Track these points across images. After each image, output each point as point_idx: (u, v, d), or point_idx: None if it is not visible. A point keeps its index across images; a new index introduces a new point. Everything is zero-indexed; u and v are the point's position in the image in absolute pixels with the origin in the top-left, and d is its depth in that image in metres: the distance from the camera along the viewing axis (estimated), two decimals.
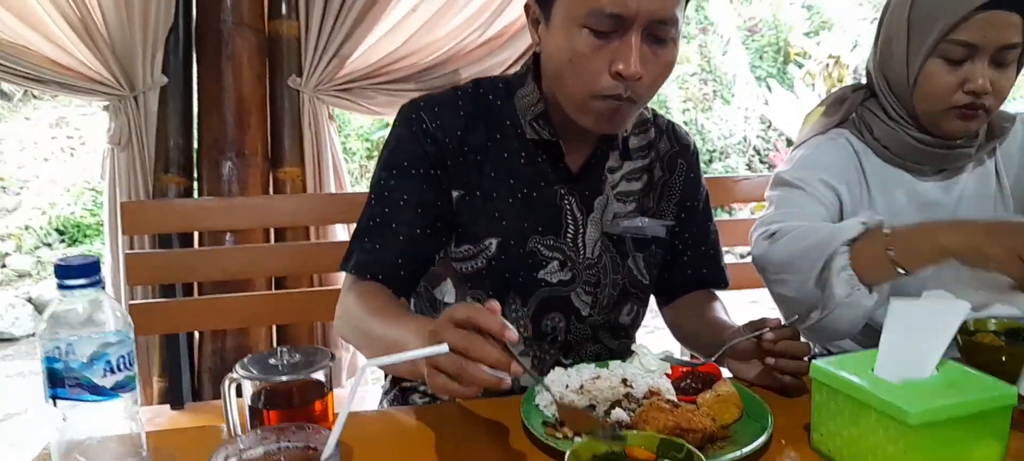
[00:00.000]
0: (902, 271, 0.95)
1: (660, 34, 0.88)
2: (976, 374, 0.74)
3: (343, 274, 1.03)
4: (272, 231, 1.93)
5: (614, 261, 1.07)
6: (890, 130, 1.16)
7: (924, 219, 1.15)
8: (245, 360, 0.74)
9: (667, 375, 0.91)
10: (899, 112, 1.15)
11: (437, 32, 1.96)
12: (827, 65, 6.37)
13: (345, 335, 1.00)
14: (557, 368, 0.93)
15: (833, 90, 1.30)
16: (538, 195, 1.03)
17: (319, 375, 0.74)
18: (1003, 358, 0.88)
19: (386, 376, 1.22)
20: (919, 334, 0.74)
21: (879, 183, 1.19)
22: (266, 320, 1.85)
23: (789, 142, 6.01)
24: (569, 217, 1.04)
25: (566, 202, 1.04)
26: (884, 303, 0.89)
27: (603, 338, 1.11)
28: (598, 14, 0.85)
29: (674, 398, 0.85)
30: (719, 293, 1.20)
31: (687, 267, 1.17)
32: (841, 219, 1.17)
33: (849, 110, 1.22)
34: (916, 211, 1.19)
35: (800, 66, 6.89)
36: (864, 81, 1.26)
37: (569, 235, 1.04)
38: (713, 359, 0.97)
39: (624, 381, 0.88)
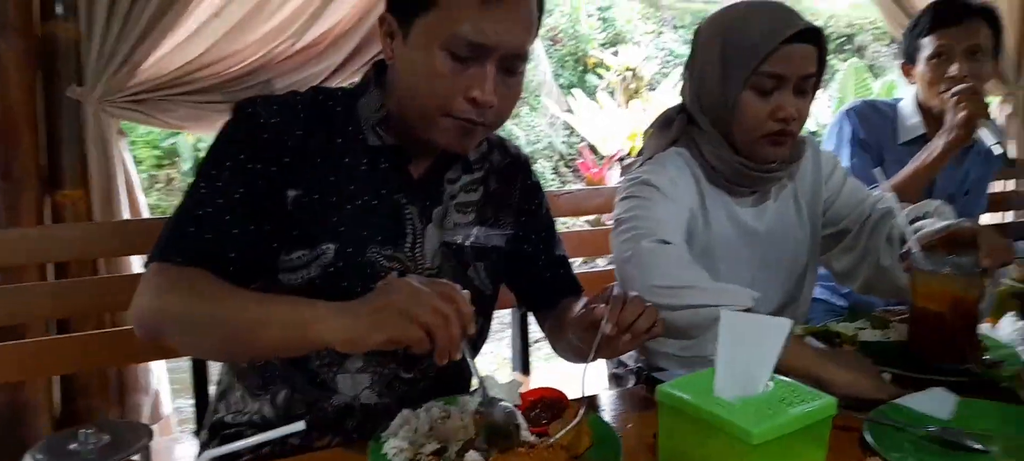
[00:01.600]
0: None
1: (513, 67, 0.95)
2: (799, 386, 0.80)
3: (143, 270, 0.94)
4: (51, 267, 1.66)
5: (454, 271, 1.07)
6: (716, 151, 1.22)
7: (741, 241, 1.26)
8: (36, 450, 0.61)
9: (517, 406, 0.90)
10: (716, 140, 1.22)
11: (245, 39, 1.80)
12: (624, 77, 6.86)
13: (163, 328, 0.90)
14: (403, 412, 0.89)
15: (662, 111, 1.35)
16: (379, 203, 1.01)
17: (136, 458, 0.64)
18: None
19: (203, 428, 1.10)
20: (750, 350, 0.80)
21: (711, 205, 1.25)
22: (46, 371, 1.59)
23: (593, 148, 6.36)
24: (409, 226, 1.02)
25: (407, 211, 1.02)
26: None
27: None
28: (459, 41, 0.89)
29: (528, 432, 0.84)
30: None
31: (545, 271, 1.20)
32: (686, 221, 1.20)
33: (678, 131, 1.27)
34: (736, 233, 1.27)
35: (600, 76, 7.35)
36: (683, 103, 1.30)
37: (408, 244, 1.02)
38: (589, 359, 0.93)
39: (476, 414, 0.86)
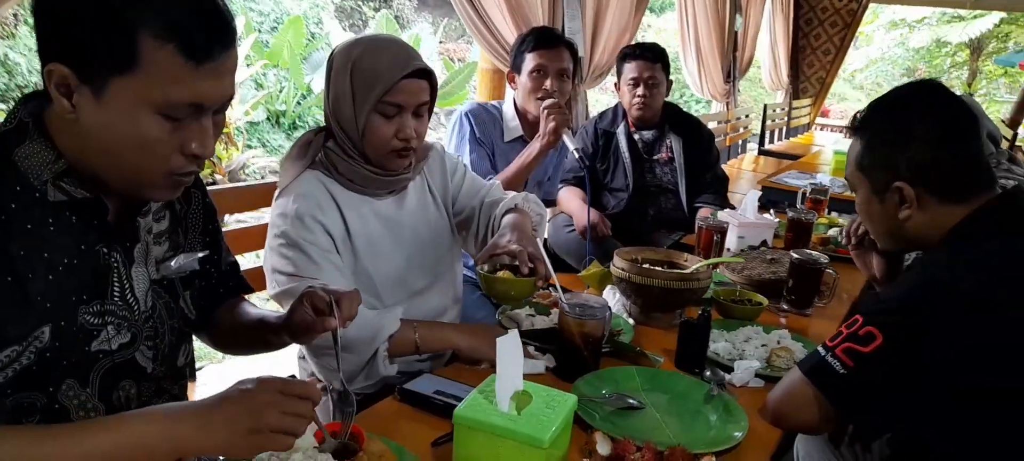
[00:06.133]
0: (419, 355, 1.43)
1: (224, 107, 0.91)
2: (538, 387, 1.05)
3: None
4: None
5: (168, 307, 1.05)
6: (350, 166, 1.42)
7: (387, 232, 1.49)
8: None
9: (316, 447, 0.96)
10: (353, 151, 1.42)
11: None
12: None
13: None
14: None
15: (300, 135, 1.50)
16: (79, 260, 0.91)
17: None
18: (511, 290, 1.39)
19: None
20: (509, 366, 1.02)
21: (347, 205, 1.44)
22: None
23: None
24: (115, 274, 0.95)
25: (112, 259, 0.95)
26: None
27: (168, 388, 1.07)
28: (176, 106, 0.84)
29: None
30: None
31: (219, 286, 1.21)
32: (335, 247, 1.41)
33: (315, 152, 1.45)
34: (382, 226, 1.49)
35: None
36: (323, 125, 1.48)
37: (116, 294, 0.95)
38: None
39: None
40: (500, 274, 1.39)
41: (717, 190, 2.92)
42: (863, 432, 1.33)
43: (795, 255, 1.80)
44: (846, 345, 1.13)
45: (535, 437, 0.93)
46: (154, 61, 0.80)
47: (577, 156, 2.24)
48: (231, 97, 0.90)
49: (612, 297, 1.73)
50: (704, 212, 2.89)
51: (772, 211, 2.73)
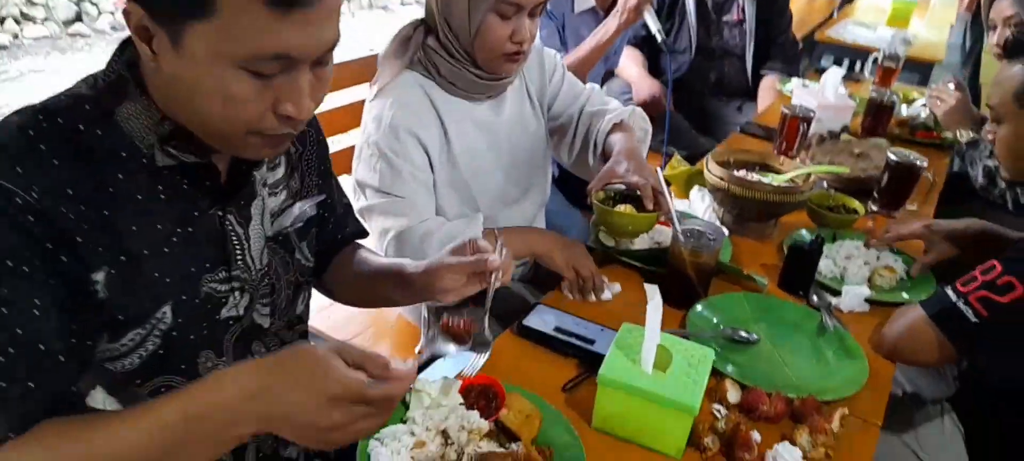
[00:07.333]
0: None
1: (326, 59, 0.77)
2: (680, 341, 1.04)
3: None
4: None
5: (284, 261, 0.99)
6: (454, 69, 1.34)
7: (486, 142, 1.43)
8: None
9: (462, 404, 0.97)
10: (460, 53, 1.33)
11: None
12: None
13: None
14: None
15: (399, 29, 1.39)
16: (195, 229, 0.85)
17: None
18: (630, 225, 1.35)
19: None
20: (654, 321, 1.00)
21: (448, 114, 1.37)
22: None
23: None
24: (234, 237, 0.90)
25: (227, 222, 0.89)
26: None
27: (288, 338, 1.05)
28: (260, 59, 0.70)
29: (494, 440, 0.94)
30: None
31: (336, 232, 1.15)
32: (429, 163, 1.35)
33: (415, 49, 1.35)
34: (477, 131, 1.42)
35: None
36: (424, 16, 1.37)
37: (239, 258, 0.91)
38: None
39: (444, 435, 0.92)
40: (620, 208, 1.34)
41: (786, 58, 2.78)
42: (980, 381, 1.33)
43: (892, 155, 1.73)
44: (981, 293, 1.10)
45: (685, 403, 0.93)
46: (231, 6, 0.67)
47: (659, 39, 2.10)
48: (334, 45, 0.76)
49: (700, 200, 1.68)
50: (769, 81, 2.77)
51: (843, 84, 2.60)
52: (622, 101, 2.72)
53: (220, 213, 0.87)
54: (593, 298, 1.31)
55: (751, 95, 2.83)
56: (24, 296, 0.70)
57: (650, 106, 2.46)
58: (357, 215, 1.21)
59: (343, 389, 0.69)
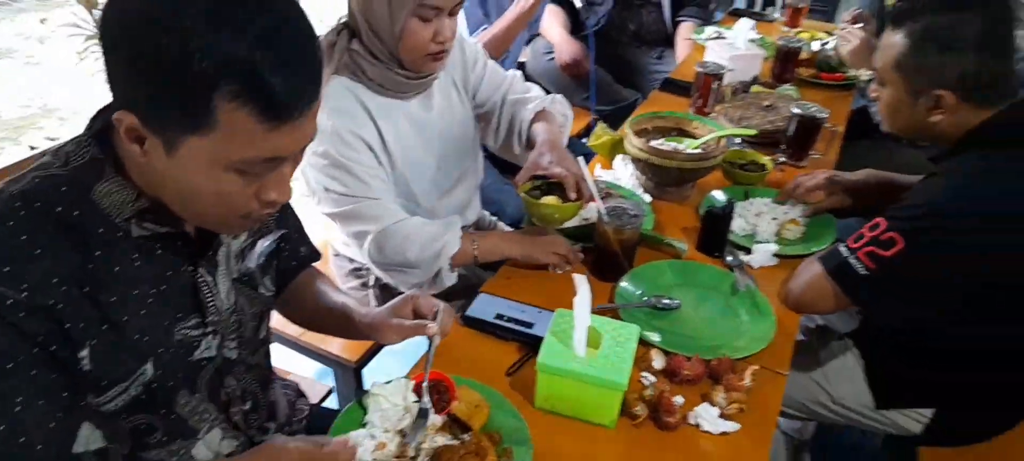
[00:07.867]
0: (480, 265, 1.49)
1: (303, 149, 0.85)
2: (609, 322, 1.15)
3: None
4: None
5: (248, 297, 1.06)
6: (380, 71, 1.39)
7: (419, 136, 1.49)
8: None
9: (416, 402, 1.06)
10: (385, 56, 1.38)
11: None
12: None
13: None
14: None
15: (323, 35, 1.40)
16: (168, 287, 0.91)
17: None
18: (556, 214, 1.44)
19: None
20: (583, 308, 1.11)
21: (379, 114, 1.43)
22: None
23: None
24: (204, 286, 0.96)
25: (198, 275, 0.95)
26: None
27: (249, 361, 1.09)
28: (252, 163, 0.78)
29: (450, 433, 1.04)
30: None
31: (291, 259, 1.22)
32: (376, 159, 1.41)
33: (341, 55, 1.39)
34: (409, 127, 1.48)
35: None
36: (346, 21, 1.41)
37: (211, 304, 0.97)
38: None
39: (402, 434, 1.01)
40: (546, 200, 1.43)
41: (701, 2, 2.88)
42: (875, 324, 1.49)
43: (796, 110, 1.87)
44: (868, 248, 1.25)
45: (615, 381, 1.05)
46: (230, 123, 0.72)
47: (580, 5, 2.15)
48: (312, 139, 0.83)
49: (624, 168, 1.79)
50: (686, 28, 2.88)
51: (752, 27, 2.71)
52: (545, 61, 2.81)
53: (192, 268, 0.93)
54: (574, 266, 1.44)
55: (670, 42, 2.93)
56: (15, 394, 0.77)
57: (572, 66, 2.53)
58: (325, 222, 1.27)
59: (300, 455, 0.88)
